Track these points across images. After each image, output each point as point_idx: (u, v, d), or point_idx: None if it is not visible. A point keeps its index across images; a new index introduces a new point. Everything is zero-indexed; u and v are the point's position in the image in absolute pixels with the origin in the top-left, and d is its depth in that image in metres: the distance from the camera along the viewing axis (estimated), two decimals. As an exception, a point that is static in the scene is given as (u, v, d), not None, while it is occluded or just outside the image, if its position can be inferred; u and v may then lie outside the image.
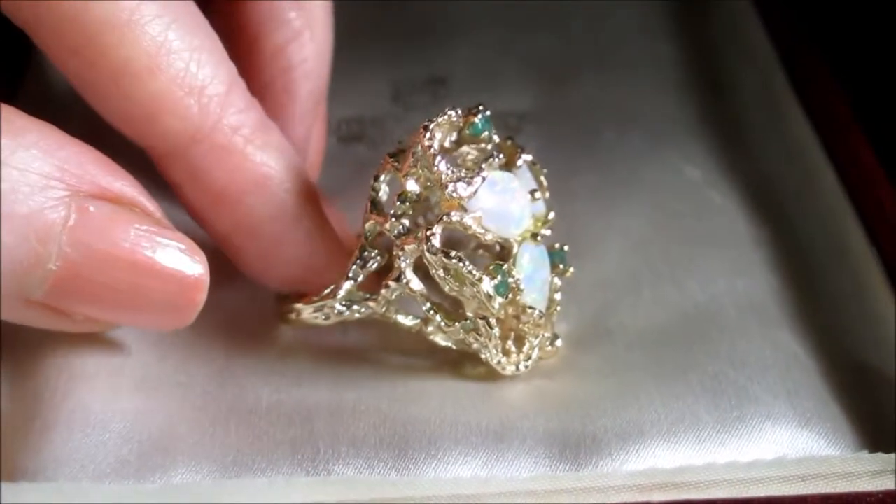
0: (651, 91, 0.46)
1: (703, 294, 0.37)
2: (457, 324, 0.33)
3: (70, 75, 0.31)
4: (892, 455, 0.31)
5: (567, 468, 0.32)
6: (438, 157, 0.32)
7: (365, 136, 0.44)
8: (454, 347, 0.34)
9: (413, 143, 0.33)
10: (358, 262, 0.33)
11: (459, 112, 0.33)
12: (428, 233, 0.32)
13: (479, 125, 0.33)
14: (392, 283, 0.33)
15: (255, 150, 0.33)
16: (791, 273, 0.38)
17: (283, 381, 0.34)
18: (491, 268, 0.33)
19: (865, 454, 0.31)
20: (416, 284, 0.33)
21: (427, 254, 0.32)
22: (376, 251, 0.33)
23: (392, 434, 0.32)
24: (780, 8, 0.47)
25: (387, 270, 0.34)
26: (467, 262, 0.32)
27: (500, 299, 0.33)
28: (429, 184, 0.33)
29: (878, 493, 0.30)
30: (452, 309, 0.34)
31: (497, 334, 0.33)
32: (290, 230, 0.34)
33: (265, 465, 0.31)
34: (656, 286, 0.37)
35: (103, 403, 0.33)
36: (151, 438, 0.32)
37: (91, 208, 0.30)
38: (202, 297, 0.32)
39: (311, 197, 0.34)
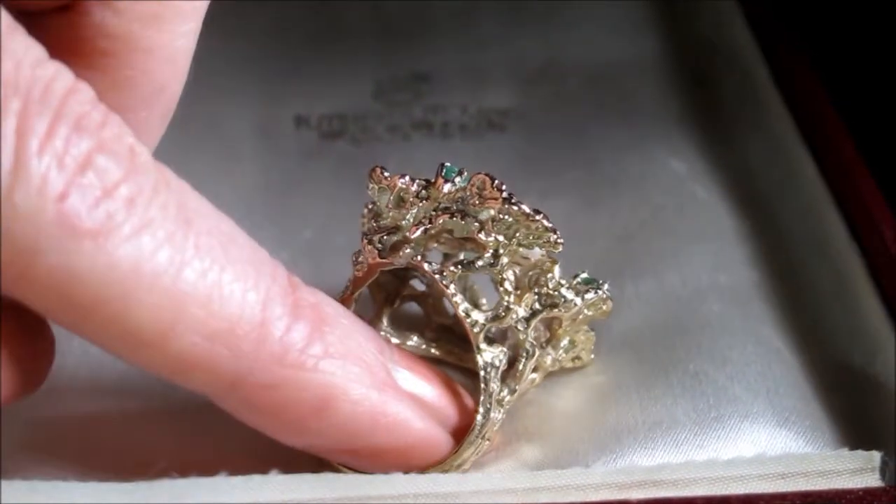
0: (635, 86, 0.46)
1: (685, 289, 0.37)
2: (560, 350, 0.34)
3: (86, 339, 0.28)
4: (873, 453, 0.31)
5: None
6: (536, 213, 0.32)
7: (346, 132, 0.44)
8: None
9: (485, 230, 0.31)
10: (493, 380, 0.31)
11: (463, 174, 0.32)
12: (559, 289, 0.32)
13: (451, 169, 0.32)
14: (529, 367, 0.32)
15: (308, 374, 0.28)
16: (774, 267, 0.38)
17: None
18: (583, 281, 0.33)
19: (846, 451, 0.31)
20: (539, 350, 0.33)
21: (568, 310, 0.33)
22: (501, 352, 0.31)
23: None
24: (762, 4, 0.47)
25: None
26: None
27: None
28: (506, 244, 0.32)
29: (857, 490, 0.30)
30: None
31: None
32: (376, 433, 0.30)
33: (246, 466, 0.31)
34: (639, 281, 0.37)
35: (86, 404, 0.33)
36: (134, 442, 0.32)
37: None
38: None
39: (385, 380, 0.30)
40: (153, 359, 0.27)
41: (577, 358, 0.34)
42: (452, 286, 0.31)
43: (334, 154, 0.43)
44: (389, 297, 0.35)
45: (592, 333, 0.34)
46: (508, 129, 0.44)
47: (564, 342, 0.34)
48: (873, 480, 0.31)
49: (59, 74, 0.26)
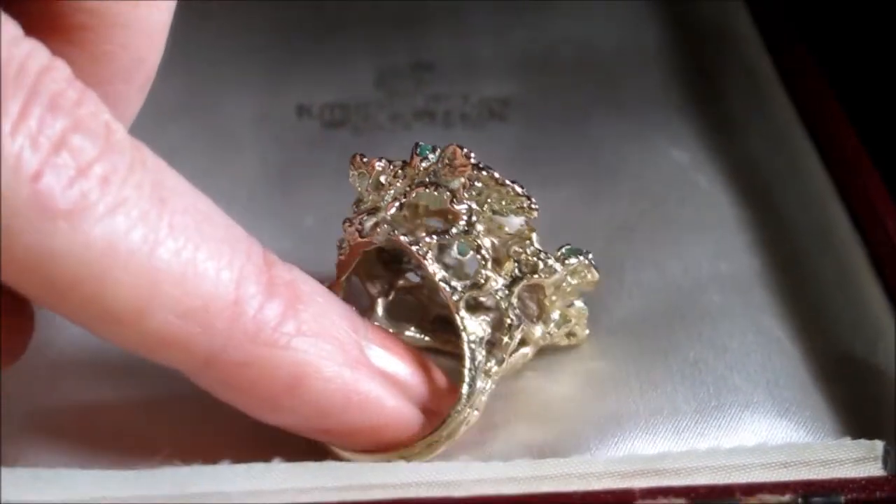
0: (637, 76, 0.46)
1: (686, 278, 0.37)
2: (552, 324, 0.34)
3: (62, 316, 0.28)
4: (875, 442, 0.31)
5: None
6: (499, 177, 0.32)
7: (349, 121, 0.44)
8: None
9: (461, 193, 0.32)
10: (478, 353, 0.31)
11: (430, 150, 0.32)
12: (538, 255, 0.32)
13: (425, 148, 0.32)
14: (516, 338, 0.32)
15: (281, 351, 0.28)
16: (775, 257, 0.38)
17: None
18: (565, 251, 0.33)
19: (848, 441, 0.31)
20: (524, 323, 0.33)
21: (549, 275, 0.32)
22: (483, 322, 0.32)
23: None
24: (765, -6, 0.47)
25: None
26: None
27: None
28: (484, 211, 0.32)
29: (860, 479, 0.30)
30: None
31: None
32: (348, 410, 0.30)
33: (247, 456, 0.31)
34: (640, 270, 0.37)
35: (88, 391, 0.33)
36: (134, 427, 0.32)
37: None
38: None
39: (358, 358, 0.30)
40: (128, 336, 0.27)
41: (572, 334, 0.34)
42: (430, 255, 0.31)
43: (336, 143, 0.43)
44: (384, 288, 0.35)
45: (585, 308, 0.34)
46: (510, 118, 0.44)
47: (555, 315, 0.34)
48: (875, 469, 0.31)
49: (34, 52, 0.26)
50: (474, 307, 0.32)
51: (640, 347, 0.35)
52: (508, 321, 0.32)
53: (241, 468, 0.30)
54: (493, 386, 0.32)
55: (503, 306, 0.32)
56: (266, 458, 0.31)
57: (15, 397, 0.32)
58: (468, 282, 0.31)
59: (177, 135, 0.42)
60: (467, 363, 0.31)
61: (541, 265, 0.32)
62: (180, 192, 0.28)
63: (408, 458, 0.31)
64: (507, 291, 0.32)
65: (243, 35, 0.48)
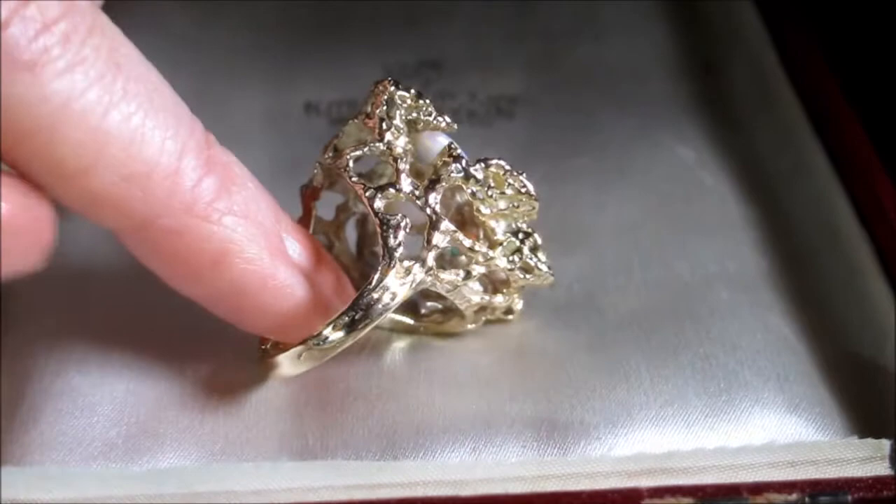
0: (644, 73, 0.46)
1: (693, 276, 0.37)
2: (499, 248, 0.33)
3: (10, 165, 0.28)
4: (882, 441, 0.31)
5: (555, 452, 0.31)
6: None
7: (356, 118, 0.44)
8: (480, 300, 0.34)
9: (377, 103, 0.33)
10: (391, 235, 0.31)
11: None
12: (472, 167, 0.32)
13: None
14: (436, 237, 0.32)
15: (212, 226, 0.30)
16: (782, 255, 0.38)
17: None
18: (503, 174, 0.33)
19: (855, 440, 0.31)
20: (453, 227, 0.32)
21: (472, 182, 0.32)
22: (400, 214, 0.31)
23: (380, 425, 0.32)
24: (771, -11, 0.47)
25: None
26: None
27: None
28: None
29: (867, 478, 0.30)
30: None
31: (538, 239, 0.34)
32: (263, 293, 0.31)
33: (254, 454, 0.31)
34: (647, 268, 0.37)
35: (92, 385, 0.33)
36: (140, 422, 0.32)
37: None
38: None
39: (278, 246, 0.31)
40: (72, 193, 0.28)
41: (527, 270, 0.34)
42: (350, 163, 0.32)
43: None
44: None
45: (537, 237, 0.34)
46: (517, 115, 0.44)
47: (504, 237, 0.33)
48: (882, 469, 0.31)
49: None
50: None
51: (649, 342, 0.35)
52: (429, 220, 0.32)
53: (249, 467, 0.30)
54: (413, 289, 0.32)
55: (418, 204, 0.32)
56: (274, 457, 0.31)
57: (21, 395, 0.32)
58: (382, 183, 0.32)
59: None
60: (381, 250, 0.31)
61: (453, 167, 0.32)
62: (134, 61, 0.29)
63: (317, 344, 0.31)
64: (421, 192, 0.32)
65: (251, 33, 0.48)
